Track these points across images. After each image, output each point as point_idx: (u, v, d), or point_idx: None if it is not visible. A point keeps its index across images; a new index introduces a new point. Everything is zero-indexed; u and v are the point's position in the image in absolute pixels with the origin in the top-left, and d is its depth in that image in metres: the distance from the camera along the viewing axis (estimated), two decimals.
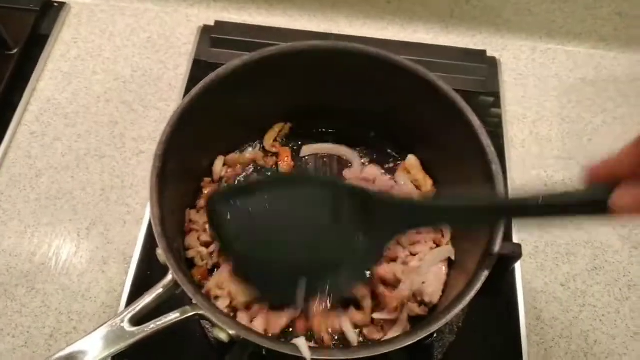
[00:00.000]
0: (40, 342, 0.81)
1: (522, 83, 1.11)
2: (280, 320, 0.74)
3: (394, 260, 0.79)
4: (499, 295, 0.84)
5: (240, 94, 0.80)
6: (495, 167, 0.70)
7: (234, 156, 0.89)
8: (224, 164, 0.88)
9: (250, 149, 0.91)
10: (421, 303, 0.76)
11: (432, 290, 0.76)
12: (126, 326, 0.60)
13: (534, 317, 0.86)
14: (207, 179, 0.86)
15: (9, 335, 0.81)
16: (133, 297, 0.81)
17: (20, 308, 0.83)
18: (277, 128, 0.92)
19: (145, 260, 0.86)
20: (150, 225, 0.87)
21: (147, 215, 0.90)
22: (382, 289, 0.75)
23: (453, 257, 0.80)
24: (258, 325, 0.72)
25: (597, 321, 0.86)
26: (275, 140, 0.92)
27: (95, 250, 0.89)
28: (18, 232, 0.89)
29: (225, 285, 0.73)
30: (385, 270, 0.77)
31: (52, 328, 0.82)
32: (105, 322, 0.61)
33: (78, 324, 0.82)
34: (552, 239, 0.93)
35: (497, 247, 0.65)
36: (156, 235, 0.64)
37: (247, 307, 0.74)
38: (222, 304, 0.73)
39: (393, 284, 0.76)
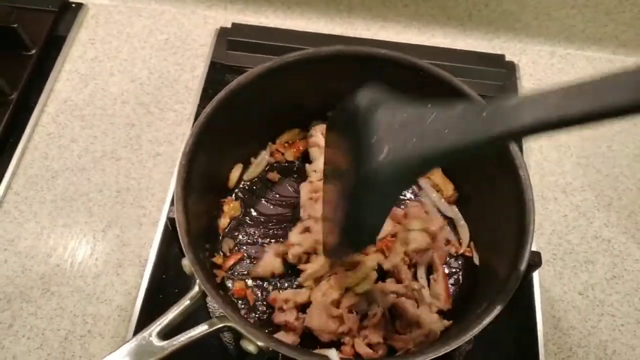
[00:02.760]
0: (54, 344, 0.81)
1: (540, 88, 1.09)
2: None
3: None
4: (516, 303, 0.83)
5: (259, 99, 0.79)
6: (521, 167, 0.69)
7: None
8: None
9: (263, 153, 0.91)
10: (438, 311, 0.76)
11: (442, 295, 0.77)
12: (155, 340, 0.60)
13: (552, 325, 0.85)
14: (228, 197, 0.87)
15: (24, 337, 0.81)
16: (148, 301, 0.82)
17: (35, 310, 0.83)
18: (289, 134, 0.92)
19: (161, 263, 0.85)
20: (166, 228, 0.87)
21: (162, 217, 0.90)
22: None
23: (477, 262, 0.80)
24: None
25: (616, 331, 0.85)
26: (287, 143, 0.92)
27: (110, 252, 0.89)
28: (34, 234, 0.90)
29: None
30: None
31: (67, 330, 0.82)
32: (133, 337, 0.60)
33: (93, 326, 0.82)
34: (570, 247, 0.92)
35: (530, 245, 0.65)
36: (183, 247, 0.64)
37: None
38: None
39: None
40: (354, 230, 0.62)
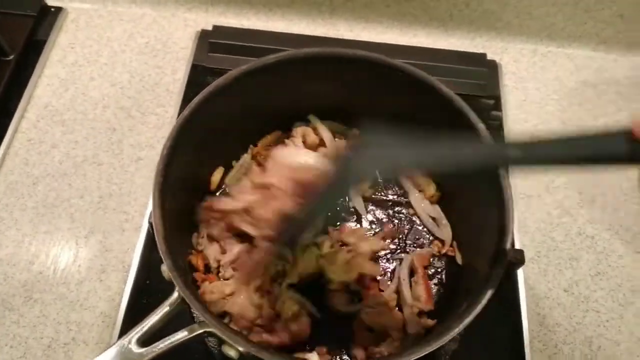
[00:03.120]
0: (38, 353, 0.80)
1: (522, 86, 1.10)
2: None
3: None
4: (501, 301, 0.83)
5: (239, 102, 0.79)
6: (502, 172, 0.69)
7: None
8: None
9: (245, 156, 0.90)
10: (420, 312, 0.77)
11: (423, 296, 0.77)
12: (134, 347, 0.59)
13: (537, 323, 0.85)
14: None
15: (7, 345, 0.80)
16: (132, 307, 0.81)
17: (18, 318, 0.82)
18: (271, 137, 0.91)
19: (144, 269, 0.85)
20: (148, 233, 0.87)
21: (145, 223, 0.89)
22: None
23: (460, 262, 0.80)
24: None
25: (600, 327, 0.85)
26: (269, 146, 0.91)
27: (93, 258, 0.88)
28: (15, 241, 0.88)
29: None
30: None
31: (51, 338, 0.81)
32: (113, 344, 0.60)
33: (77, 334, 0.81)
34: (554, 244, 0.92)
35: (509, 243, 0.65)
36: (161, 253, 0.63)
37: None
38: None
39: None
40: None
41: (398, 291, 0.80)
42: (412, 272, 0.82)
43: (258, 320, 0.73)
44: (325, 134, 0.88)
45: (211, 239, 0.81)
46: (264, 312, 0.73)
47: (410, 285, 0.80)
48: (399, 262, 0.83)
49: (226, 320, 0.74)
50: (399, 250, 0.86)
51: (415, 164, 0.60)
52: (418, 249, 0.85)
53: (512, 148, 0.57)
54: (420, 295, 0.78)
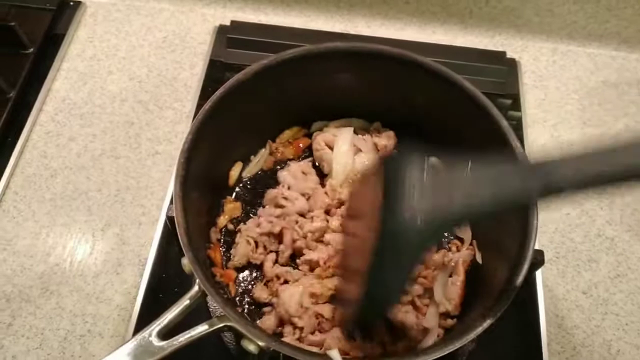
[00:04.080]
0: (54, 344, 0.80)
1: (542, 85, 1.09)
2: None
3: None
4: (520, 302, 0.82)
5: (259, 97, 0.79)
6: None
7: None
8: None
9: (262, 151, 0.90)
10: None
11: (455, 300, 0.76)
12: (154, 340, 0.59)
13: (555, 325, 0.84)
14: (229, 198, 0.86)
15: (24, 336, 0.80)
16: (148, 300, 0.81)
17: (34, 310, 0.82)
18: (290, 132, 0.91)
19: (161, 262, 0.85)
20: (165, 227, 0.87)
21: (162, 216, 0.89)
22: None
23: (480, 261, 0.80)
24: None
25: (620, 330, 0.84)
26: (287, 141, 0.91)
27: (110, 251, 0.88)
28: (33, 233, 0.89)
29: None
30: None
31: (66, 330, 0.81)
32: (133, 337, 0.59)
33: (92, 326, 0.82)
34: (573, 245, 0.91)
35: (532, 245, 0.64)
36: (182, 246, 0.63)
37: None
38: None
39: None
40: (374, 294, 0.59)
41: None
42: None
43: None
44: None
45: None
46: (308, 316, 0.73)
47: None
48: None
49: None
50: None
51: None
52: (464, 249, 0.83)
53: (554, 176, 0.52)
54: (453, 297, 0.76)
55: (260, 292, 0.77)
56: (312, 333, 0.73)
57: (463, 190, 0.53)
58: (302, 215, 0.82)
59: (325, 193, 0.84)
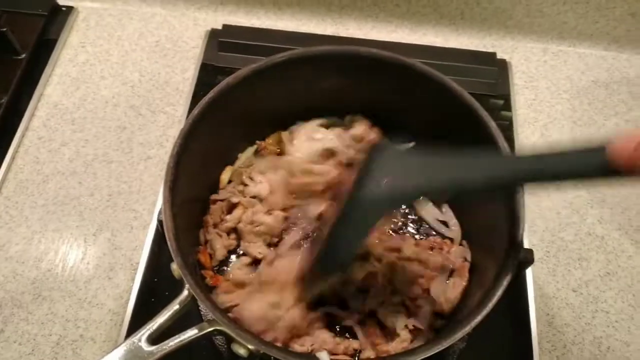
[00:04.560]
0: (46, 350, 0.80)
1: (532, 85, 1.10)
2: None
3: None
4: (510, 301, 0.83)
5: (249, 101, 0.79)
6: None
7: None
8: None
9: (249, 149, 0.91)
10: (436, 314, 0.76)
11: (452, 302, 0.76)
12: (144, 345, 0.59)
13: (546, 323, 0.85)
14: (214, 195, 0.86)
15: (16, 342, 0.81)
16: (140, 305, 0.81)
17: (26, 315, 0.83)
18: (278, 135, 0.91)
19: (153, 267, 0.85)
20: (157, 231, 0.87)
21: (154, 221, 0.89)
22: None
23: (469, 260, 0.80)
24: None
25: (610, 327, 0.85)
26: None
27: (102, 256, 0.88)
28: (25, 239, 0.89)
29: None
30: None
31: (59, 335, 0.82)
32: (122, 342, 0.59)
33: (85, 331, 0.82)
34: (563, 244, 0.92)
35: (520, 236, 0.65)
36: (171, 251, 0.63)
37: None
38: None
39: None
40: (332, 251, 0.66)
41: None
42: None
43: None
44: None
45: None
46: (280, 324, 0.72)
47: None
48: None
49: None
50: None
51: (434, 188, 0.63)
52: (456, 247, 0.83)
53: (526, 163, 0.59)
54: (451, 298, 0.76)
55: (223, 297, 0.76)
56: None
57: (425, 172, 0.61)
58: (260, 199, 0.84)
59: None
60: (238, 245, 0.83)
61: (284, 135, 0.89)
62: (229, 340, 0.63)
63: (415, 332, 0.75)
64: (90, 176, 0.95)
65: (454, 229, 0.84)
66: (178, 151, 0.69)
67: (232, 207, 0.84)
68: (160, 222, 0.68)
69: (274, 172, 0.85)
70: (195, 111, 0.73)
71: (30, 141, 0.99)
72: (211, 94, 0.75)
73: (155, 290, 0.83)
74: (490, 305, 0.62)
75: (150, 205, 0.92)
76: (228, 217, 0.83)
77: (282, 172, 0.84)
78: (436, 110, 0.81)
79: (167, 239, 0.64)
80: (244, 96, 0.78)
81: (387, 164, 0.62)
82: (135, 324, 0.79)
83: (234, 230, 0.84)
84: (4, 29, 1.04)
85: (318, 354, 0.60)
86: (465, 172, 0.59)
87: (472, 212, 0.83)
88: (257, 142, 0.90)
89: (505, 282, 0.63)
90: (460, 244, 0.83)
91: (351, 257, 0.71)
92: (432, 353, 0.60)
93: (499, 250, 0.67)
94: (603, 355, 0.82)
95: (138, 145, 0.99)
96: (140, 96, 1.05)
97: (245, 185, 0.86)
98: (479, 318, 0.62)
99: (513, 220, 0.67)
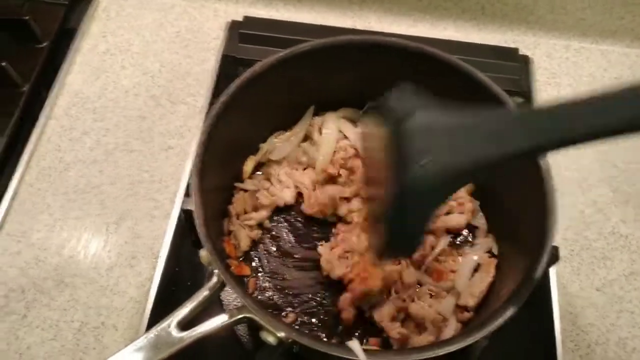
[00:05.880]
0: (68, 335, 0.80)
1: (555, 82, 1.09)
2: None
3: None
4: (534, 299, 0.82)
5: (273, 90, 0.79)
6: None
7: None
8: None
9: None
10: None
11: (477, 298, 0.75)
12: (174, 331, 0.59)
13: (569, 322, 0.84)
14: (238, 184, 0.86)
15: (38, 328, 0.81)
16: (162, 293, 0.81)
17: (49, 301, 0.83)
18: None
19: (174, 256, 0.85)
20: (179, 221, 0.87)
21: (175, 210, 0.89)
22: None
23: (496, 252, 0.80)
24: None
25: (635, 328, 0.84)
26: None
27: (123, 244, 0.88)
28: (47, 226, 0.89)
29: None
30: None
31: (80, 322, 0.82)
32: (152, 327, 0.59)
33: (106, 318, 0.82)
34: (587, 243, 0.91)
35: (553, 228, 0.64)
36: (201, 237, 0.63)
37: None
38: None
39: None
40: (396, 238, 0.60)
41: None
42: None
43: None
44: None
45: None
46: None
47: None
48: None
49: None
50: None
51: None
52: (482, 238, 0.83)
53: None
54: (476, 293, 0.75)
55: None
56: None
57: (470, 142, 0.51)
58: None
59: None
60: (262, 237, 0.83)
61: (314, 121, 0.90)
62: (253, 328, 0.63)
63: (442, 325, 0.74)
64: (111, 165, 0.95)
65: (480, 221, 0.83)
66: (206, 138, 0.69)
67: (257, 205, 0.84)
68: (184, 211, 0.68)
69: (302, 174, 0.86)
70: (223, 97, 0.72)
71: (52, 129, 0.98)
72: (238, 81, 0.74)
73: (176, 280, 0.83)
74: (516, 306, 0.61)
75: (172, 194, 0.92)
76: (254, 214, 0.83)
77: (311, 173, 0.85)
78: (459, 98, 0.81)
79: (197, 225, 0.63)
80: (269, 84, 0.78)
81: (416, 135, 0.52)
82: (157, 313, 0.79)
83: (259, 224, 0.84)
84: (26, 18, 1.03)
85: (349, 343, 0.59)
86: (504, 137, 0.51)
87: (496, 202, 0.82)
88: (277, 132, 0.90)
89: (532, 285, 0.62)
90: (487, 236, 0.83)
91: (417, 244, 0.66)
92: (464, 345, 0.60)
93: (529, 242, 0.66)
94: (628, 356, 0.82)
95: (159, 135, 0.99)
96: (160, 86, 1.05)
97: (271, 183, 0.85)
98: (505, 316, 0.61)
99: (544, 210, 0.65)
